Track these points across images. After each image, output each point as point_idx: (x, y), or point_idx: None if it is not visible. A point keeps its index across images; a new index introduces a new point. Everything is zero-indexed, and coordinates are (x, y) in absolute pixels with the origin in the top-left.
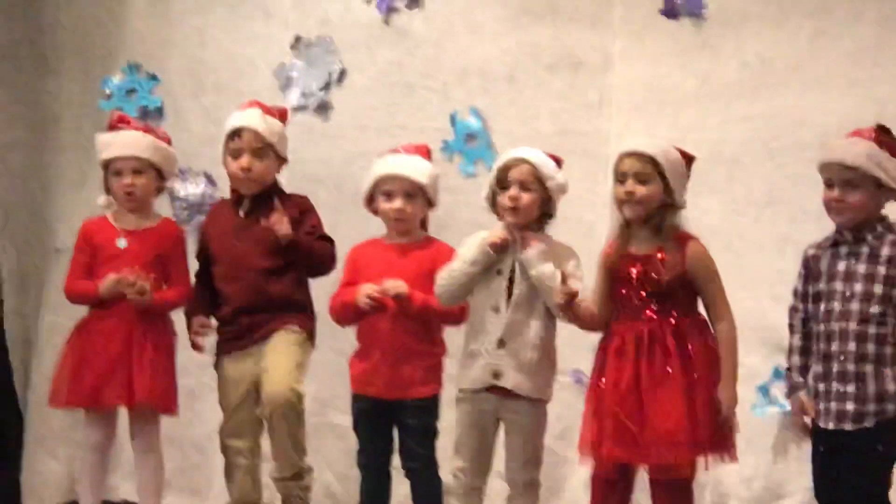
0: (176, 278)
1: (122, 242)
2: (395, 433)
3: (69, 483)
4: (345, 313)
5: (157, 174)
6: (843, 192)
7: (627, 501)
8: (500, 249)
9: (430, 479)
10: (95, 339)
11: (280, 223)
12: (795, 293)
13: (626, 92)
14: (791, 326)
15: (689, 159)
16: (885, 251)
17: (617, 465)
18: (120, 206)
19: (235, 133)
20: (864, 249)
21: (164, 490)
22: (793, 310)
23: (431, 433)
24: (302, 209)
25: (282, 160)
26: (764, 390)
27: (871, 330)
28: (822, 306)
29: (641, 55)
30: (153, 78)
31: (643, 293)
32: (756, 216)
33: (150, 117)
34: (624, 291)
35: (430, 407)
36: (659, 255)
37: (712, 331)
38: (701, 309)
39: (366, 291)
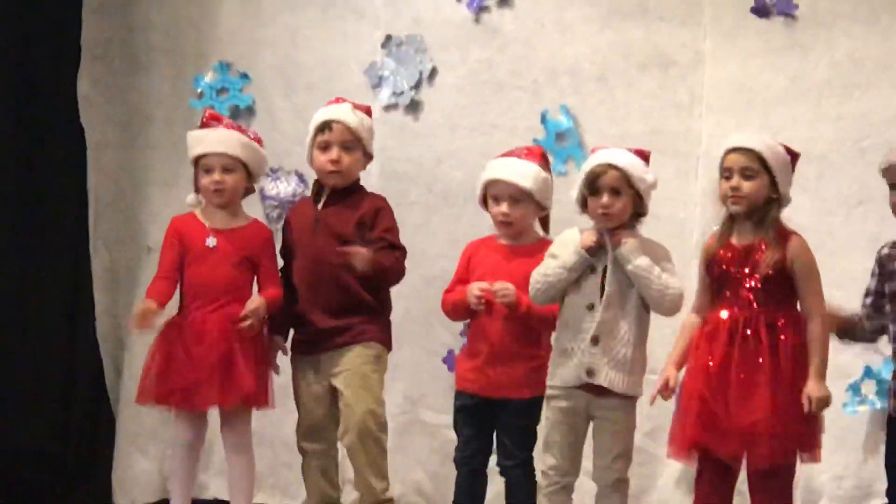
0: (266, 280)
1: (211, 241)
2: (494, 433)
3: (160, 481)
4: (456, 311)
5: (247, 173)
6: None
7: (730, 493)
8: (594, 251)
9: (525, 478)
10: (187, 337)
11: (357, 258)
12: (868, 292)
13: (717, 91)
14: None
15: (794, 156)
16: None
17: (711, 458)
18: (208, 202)
19: (325, 126)
20: None
21: (256, 488)
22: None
23: (531, 434)
24: (377, 209)
25: (368, 156)
26: (855, 388)
27: None
28: None
29: (732, 54)
30: (244, 77)
31: (741, 284)
32: (846, 215)
33: (240, 116)
34: (721, 281)
35: (531, 408)
36: (761, 247)
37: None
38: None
39: (475, 292)
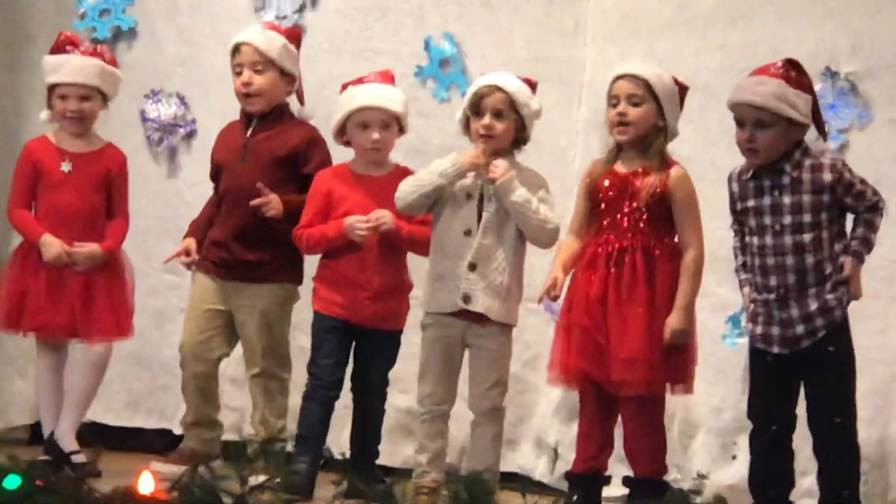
0: (116, 207)
1: (66, 166)
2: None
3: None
4: (321, 244)
5: (103, 98)
6: (752, 133)
7: (614, 422)
8: (471, 169)
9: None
10: (34, 263)
11: (268, 207)
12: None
13: (602, 19)
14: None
15: (682, 88)
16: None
17: (594, 388)
18: (63, 129)
19: (235, 49)
20: (786, 180)
21: (133, 411)
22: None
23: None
24: (308, 140)
25: (289, 78)
26: (735, 321)
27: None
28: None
29: None
30: None
31: (620, 211)
32: (729, 145)
33: (123, 38)
34: (603, 207)
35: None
36: (644, 176)
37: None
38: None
39: (359, 227)
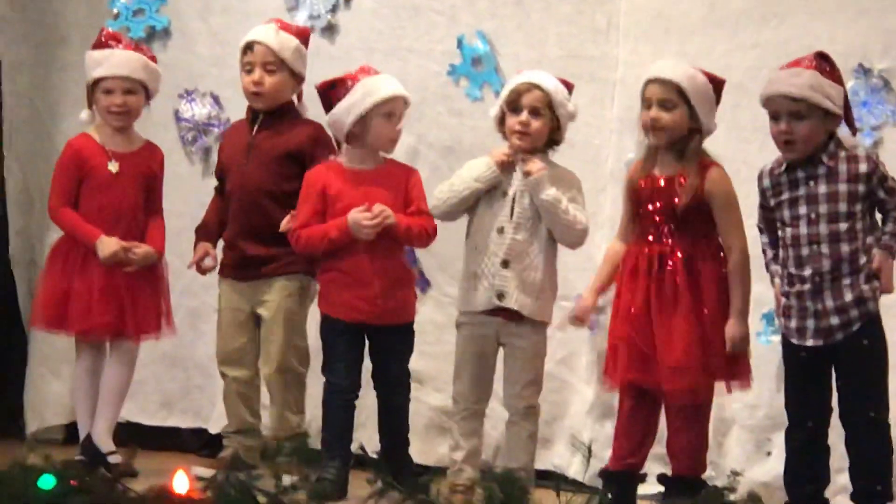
0: (154, 204)
1: (114, 166)
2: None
3: (72, 403)
4: (325, 244)
5: (146, 94)
6: (790, 125)
7: (654, 427)
8: (504, 167)
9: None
10: (86, 263)
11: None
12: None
13: (634, 17)
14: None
15: (717, 83)
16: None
17: (635, 388)
18: (107, 124)
19: (248, 47)
20: (822, 170)
21: (167, 411)
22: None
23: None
24: (314, 139)
25: (298, 78)
26: (769, 318)
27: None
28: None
29: None
30: None
31: (660, 215)
32: (762, 143)
33: (156, 38)
34: (642, 212)
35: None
36: (681, 179)
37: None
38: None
39: (363, 223)
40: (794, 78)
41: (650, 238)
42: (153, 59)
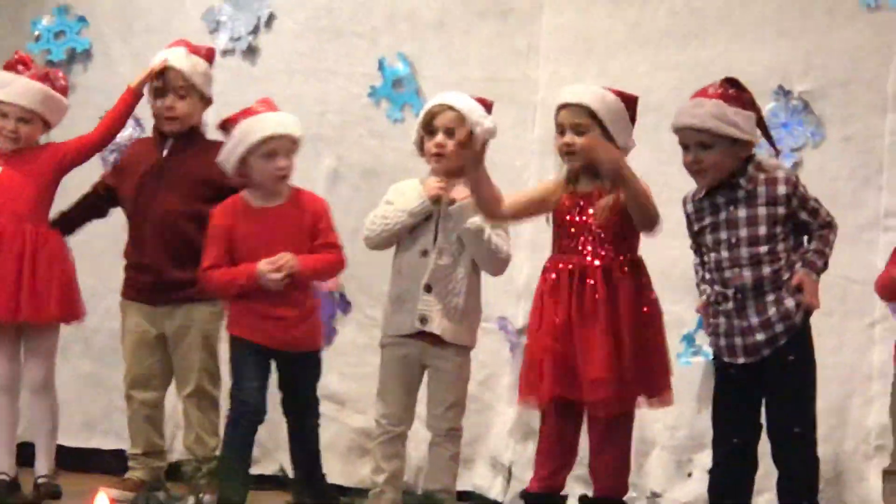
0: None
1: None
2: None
3: None
4: (234, 288)
5: (44, 123)
6: (698, 155)
7: (575, 447)
8: (438, 201)
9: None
10: None
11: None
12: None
13: (555, 39)
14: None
15: (629, 100)
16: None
17: (559, 405)
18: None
19: (159, 72)
20: (741, 194)
21: (89, 433)
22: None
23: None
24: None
25: (206, 101)
26: (689, 339)
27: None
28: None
29: (570, 2)
30: (82, 20)
31: (579, 230)
32: (682, 165)
33: (78, 59)
34: (561, 228)
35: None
36: (599, 196)
37: (646, 272)
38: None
39: (270, 276)
40: (697, 109)
41: (570, 254)
42: (63, 89)
